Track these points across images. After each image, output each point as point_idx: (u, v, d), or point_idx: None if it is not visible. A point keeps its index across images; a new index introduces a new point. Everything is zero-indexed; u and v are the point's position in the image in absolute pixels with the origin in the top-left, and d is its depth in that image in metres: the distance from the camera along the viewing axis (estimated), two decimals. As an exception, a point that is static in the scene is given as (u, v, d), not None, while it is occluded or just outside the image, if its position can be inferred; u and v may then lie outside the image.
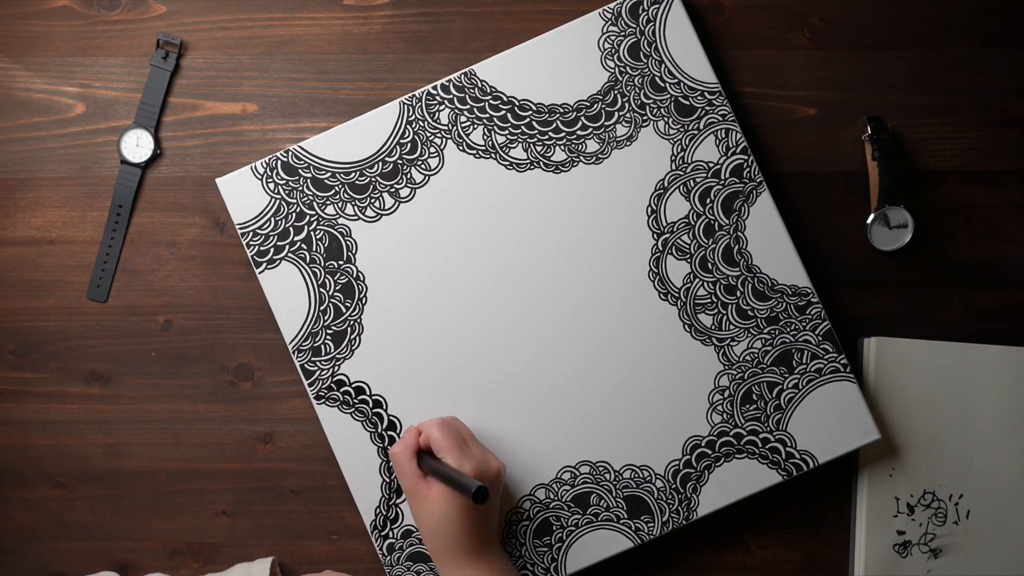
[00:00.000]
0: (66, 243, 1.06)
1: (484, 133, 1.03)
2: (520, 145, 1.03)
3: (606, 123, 1.03)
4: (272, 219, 1.02)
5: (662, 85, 1.03)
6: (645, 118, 1.03)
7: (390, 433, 1.02)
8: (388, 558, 1.02)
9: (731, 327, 1.02)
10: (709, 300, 1.02)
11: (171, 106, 1.06)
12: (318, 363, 1.02)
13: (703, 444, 1.02)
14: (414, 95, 1.02)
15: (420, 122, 1.03)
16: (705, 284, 1.02)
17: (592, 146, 1.03)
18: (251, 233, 1.02)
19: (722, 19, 1.06)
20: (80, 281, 1.06)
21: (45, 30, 1.06)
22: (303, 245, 1.02)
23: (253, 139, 1.06)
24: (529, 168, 1.03)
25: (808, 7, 1.06)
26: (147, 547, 1.05)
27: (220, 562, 1.05)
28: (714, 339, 1.02)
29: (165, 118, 1.06)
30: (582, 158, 1.03)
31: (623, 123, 1.03)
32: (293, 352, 1.02)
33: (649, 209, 1.03)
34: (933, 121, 1.06)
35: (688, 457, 1.02)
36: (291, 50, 1.06)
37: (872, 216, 1.04)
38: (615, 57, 1.03)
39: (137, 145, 1.05)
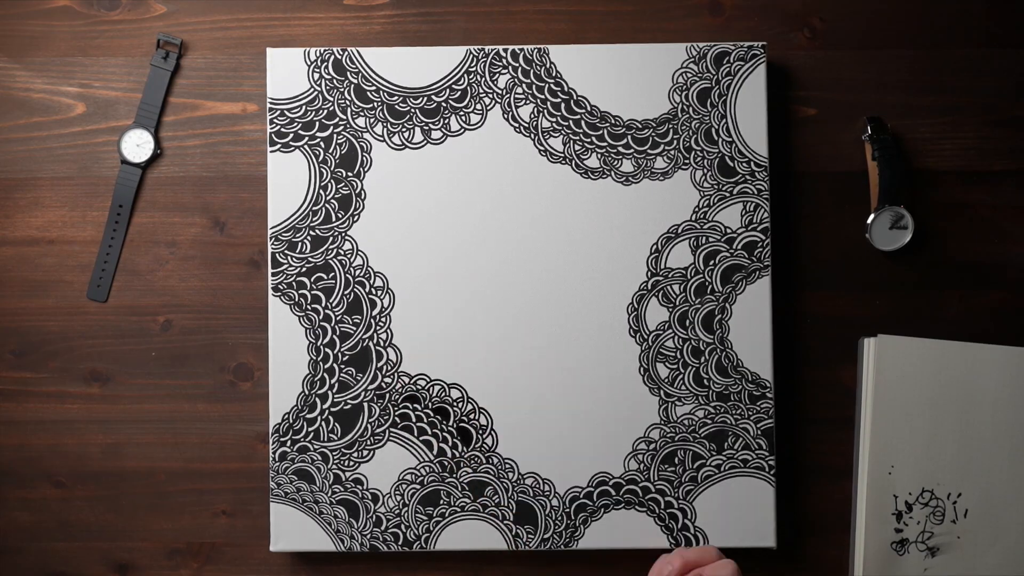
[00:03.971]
0: (66, 243, 1.06)
1: (533, 112, 1.03)
2: (561, 137, 1.02)
3: (649, 151, 1.02)
4: (304, 107, 1.02)
5: (715, 139, 1.02)
6: (687, 162, 1.02)
7: (327, 349, 1.01)
8: (277, 464, 1.02)
9: (682, 388, 1.02)
10: (673, 355, 1.02)
11: (171, 106, 1.06)
12: (290, 258, 1.02)
13: (609, 484, 1.01)
14: (483, 48, 1.03)
15: (479, 76, 1.02)
16: (676, 338, 1.02)
17: (627, 166, 1.02)
18: (279, 111, 1.02)
19: (722, 19, 1.06)
20: (80, 281, 1.06)
21: (45, 30, 1.06)
22: (322, 143, 1.02)
23: (253, 139, 1.06)
24: (561, 162, 1.02)
25: (808, 7, 1.06)
26: (147, 547, 1.05)
27: (220, 562, 1.05)
28: (663, 392, 1.02)
29: (165, 118, 1.06)
30: (614, 174, 1.02)
31: (665, 158, 1.02)
32: (271, 239, 1.02)
33: (654, 248, 1.02)
34: (933, 121, 1.06)
35: (591, 490, 1.01)
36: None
37: (872, 216, 1.04)
38: (683, 95, 1.02)
39: (137, 145, 1.05)
